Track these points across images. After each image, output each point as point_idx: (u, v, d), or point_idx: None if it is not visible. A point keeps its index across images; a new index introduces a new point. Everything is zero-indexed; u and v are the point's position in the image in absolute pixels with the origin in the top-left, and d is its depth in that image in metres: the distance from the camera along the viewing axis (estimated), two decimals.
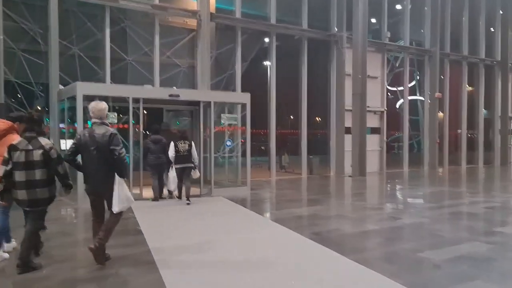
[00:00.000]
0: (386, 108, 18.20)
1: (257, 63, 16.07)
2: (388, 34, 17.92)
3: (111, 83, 11.94)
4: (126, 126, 9.95)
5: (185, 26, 13.95)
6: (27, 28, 11.13)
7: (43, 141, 4.76)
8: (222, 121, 11.22)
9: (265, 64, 16.12)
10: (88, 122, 6.91)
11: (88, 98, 9.13)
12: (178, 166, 9.18)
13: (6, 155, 4.72)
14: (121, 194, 4.78)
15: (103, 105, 4.94)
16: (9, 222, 5.26)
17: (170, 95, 10.20)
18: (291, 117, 18.27)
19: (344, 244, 6.12)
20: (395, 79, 19.29)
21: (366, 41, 15.91)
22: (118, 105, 10.12)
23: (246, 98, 11.43)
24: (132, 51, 12.88)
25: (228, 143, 11.54)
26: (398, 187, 13.88)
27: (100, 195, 4.92)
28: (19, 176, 4.63)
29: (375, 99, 17.72)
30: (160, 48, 13.23)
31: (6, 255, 5.17)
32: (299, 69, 16.20)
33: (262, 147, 16.86)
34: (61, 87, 10.77)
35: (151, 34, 13.04)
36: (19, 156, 4.65)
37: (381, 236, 6.75)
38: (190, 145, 9.23)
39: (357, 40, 15.70)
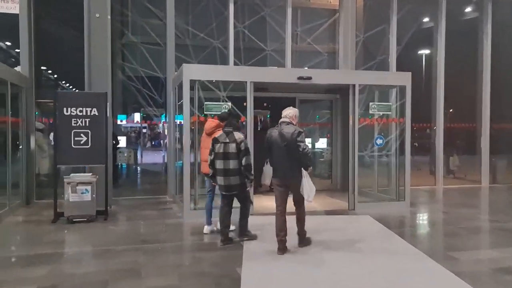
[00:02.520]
0: None
1: (414, 47, 12.62)
2: None
3: None
4: (242, 119, 7.56)
5: (327, 7, 11.67)
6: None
7: (237, 135, 5.44)
8: (371, 111, 8.05)
9: (425, 46, 12.77)
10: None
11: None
12: None
13: (211, 146, 5.55)
14: (309, 184, 5.11)
15: (291, 109, 5.42)
16: (212, 204, 6.18)
17: (300, 78, 7.48)
18: (450, 110, 13.94)
19: None
20: None
21: None
22: (241, 94, 7.82)
23: (405, 79, 8.06)
24: (272, 41, 11.22)
25: (379, 140, 8.30)
26: None
27: (287, 186, 5.22)
28: (219, 164, 5.43)
29: None
30: (300, 34, 11.41)
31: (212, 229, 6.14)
32: (478, 43, 11.91)
33: (415, 144, 13.14)
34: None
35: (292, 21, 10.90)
36: (219, 148, 5.43)
37: None
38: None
39: None
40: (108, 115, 7.68)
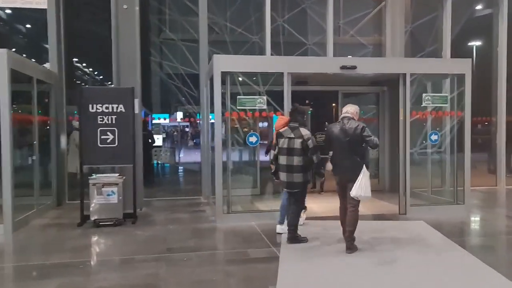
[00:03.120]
0: None
1: (467, 36, 11.46)
2: None
3: None
4: (278, 113, 6.83)
5: None
6: (209, 22, 9.97)
7: (303, 131, 5.19)
8: (425, 104, 7.06)
9: (480, 35, 11.86)
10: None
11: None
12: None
13: (274, 141, 5.41)
14: (363, 182, 4.85)
15: (352, 106, 5.23)
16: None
17: (343, 67, 6.63)
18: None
19: None
20: None
21: None
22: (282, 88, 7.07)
23: (464, 66, 7.02)
24: (313, 34, 10.56)
25: (434, 136, 7.27)
26: None
27: (347, 182, 5.00)
28: (282, 160, 5.25)
29: None
30: (343, 26, 10.63)
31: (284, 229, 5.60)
32: None
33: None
34: None
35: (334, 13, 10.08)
36: (283, 143, 5.24)
37: None
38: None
39: None
40: (136, 111, 7.22)
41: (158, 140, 12.14)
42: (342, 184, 5.10)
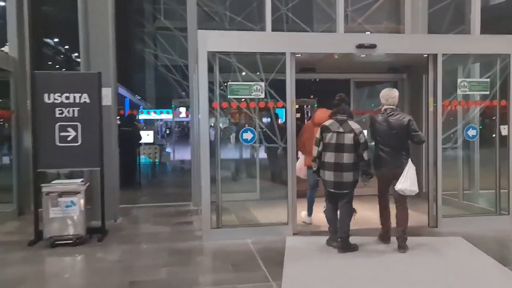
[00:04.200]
0: None
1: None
2: None
3: None
4: (279, 104, 5.40)
5: None
6: (209, 10, 9.96)
7: (353, 125, 4.62)
8: (460, 91, 5.60)
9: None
10: None
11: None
12: None
13: (318, 136, 4.71)
14: (409, 176, 4.52)
15: (396, 92, 4.85)
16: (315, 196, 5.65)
17: (359, 46, 5.19)
18: None
19: None
20: None
21: None
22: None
23: (510, 45, 5.57)
24: (319, 22, 9.65)
25: (472, 131, 5.80)
26: None
27: (390, 177, 4.69)
28: (329, 157, 4.61)
29: None
30: (351, 15, 9.49)
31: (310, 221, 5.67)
32: None
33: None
34: None
35: None
36: (330, 138, 4.61)
37: None
38: None
39: None
40: (108, 103, 5.87)
41: (149, 136, 10.77)
42: (385, 180, 4.73)
